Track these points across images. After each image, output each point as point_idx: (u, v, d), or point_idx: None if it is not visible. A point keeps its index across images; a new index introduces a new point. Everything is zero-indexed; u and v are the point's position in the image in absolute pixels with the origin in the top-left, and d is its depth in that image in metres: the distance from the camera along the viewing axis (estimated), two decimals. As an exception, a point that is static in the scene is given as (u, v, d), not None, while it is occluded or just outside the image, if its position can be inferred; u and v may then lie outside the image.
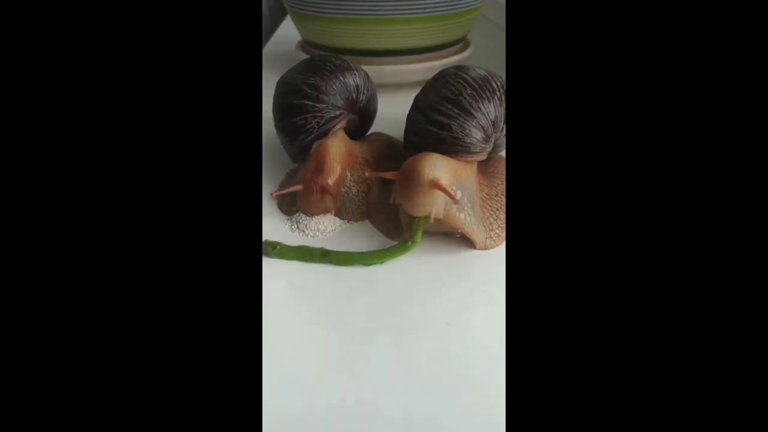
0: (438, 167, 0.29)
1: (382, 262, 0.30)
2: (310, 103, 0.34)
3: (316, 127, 0.34)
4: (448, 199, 0.29)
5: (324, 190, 0.33)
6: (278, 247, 0.30)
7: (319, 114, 0.34)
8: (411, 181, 0.29)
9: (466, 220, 0.29)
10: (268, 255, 0.30)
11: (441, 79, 0.33)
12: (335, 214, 0.34)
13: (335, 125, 0.35)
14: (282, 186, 0.38)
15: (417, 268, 0.29)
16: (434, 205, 0.29)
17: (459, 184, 0.30)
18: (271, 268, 0.29)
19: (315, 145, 0.35)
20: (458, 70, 0.33)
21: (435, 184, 0.28)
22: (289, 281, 0.29)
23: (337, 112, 0.35)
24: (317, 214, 0.34)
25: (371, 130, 0.40)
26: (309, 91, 0.34)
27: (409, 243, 0.29)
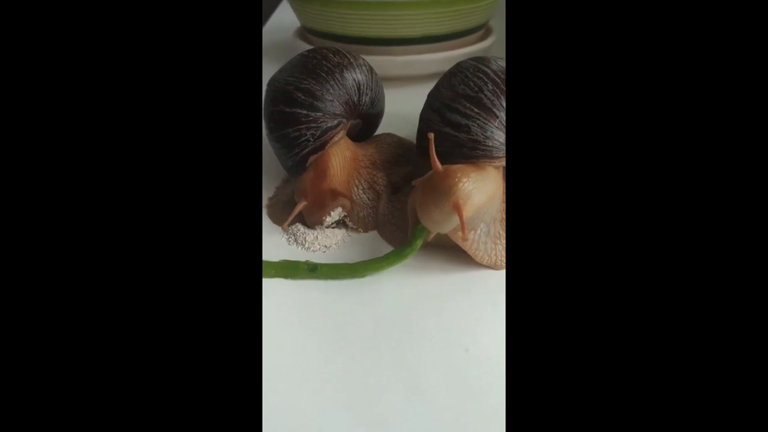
0: (476, 190, 0.29)
1: (377, 272, 0.30)
2: (304, 112, 0.34)
3: (311, 139, 0.34)
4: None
5: (334, 193, 0.33)
6: None
7: (314, 125, 0.34)
8: (437, 190, 0.29)
9: (473, 244, 0.30)
10: None
11: (458, 73, 0.32)
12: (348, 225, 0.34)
13: (333, 137, 0.34)
14: (278, 191, 0.37)
15: (427, 282, 0.30)
16: (448, 226, 0.29)
17: (489, 209, 0.30)
18: (267, 283, 0.30)
19: (311, 159, 0.34)
20: (477, 62, 0.32)
21: (457, 210, 0.28)
22: (287, 297, 0.29)
23: (336, 121, 0.34)
24: (327, 218, 0.34)
25: (379, 131, 0.40)
26: (302, 97, 0.34)
27: (408, 250, 0.29)
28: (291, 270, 0.30)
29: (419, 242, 0.30)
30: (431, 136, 0.29)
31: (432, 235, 0.30)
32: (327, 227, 0.34)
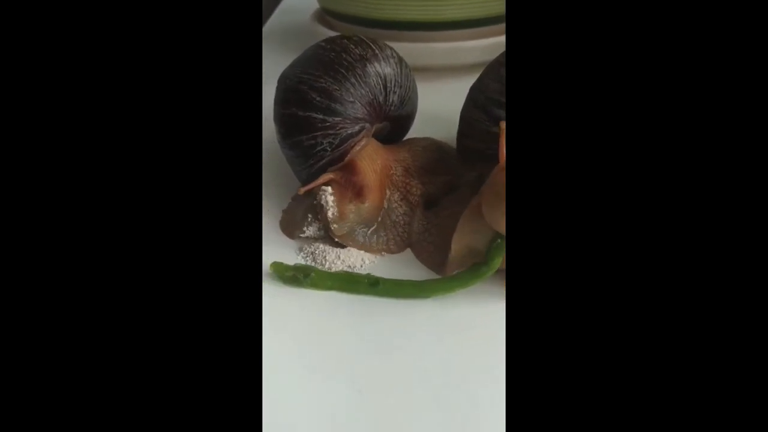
0: None
1: (446, 294, 0.30)
2: (320, 116, 0.33)
3: (329, 149, 0.33)
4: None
5: (360, 192, 0.33)
6: (312, 274, 0.31)
7: (332, 132, 0.33)
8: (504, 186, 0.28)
9: None
10: (300, 285, 0.31)
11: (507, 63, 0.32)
12: (368, 248, 0.34)
13: (354, 145, 0.34)
14: (290, 206, 0.37)
15: (470, 311, 0.30)
16: None
17: None
18: (275, 310, 0.30)
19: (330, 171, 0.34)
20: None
21: None
22: (298, 329, 0.29)
23: (357, 127, 0.34)
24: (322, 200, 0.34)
25: (412, 132, 0.40)
26: (318, 99, 0.33)
27: (484, 269, 0.30)
28: (351, 283, 0.31)
29: (498, 260, 0.30)
30: (503, 124, 0.29)
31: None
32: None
